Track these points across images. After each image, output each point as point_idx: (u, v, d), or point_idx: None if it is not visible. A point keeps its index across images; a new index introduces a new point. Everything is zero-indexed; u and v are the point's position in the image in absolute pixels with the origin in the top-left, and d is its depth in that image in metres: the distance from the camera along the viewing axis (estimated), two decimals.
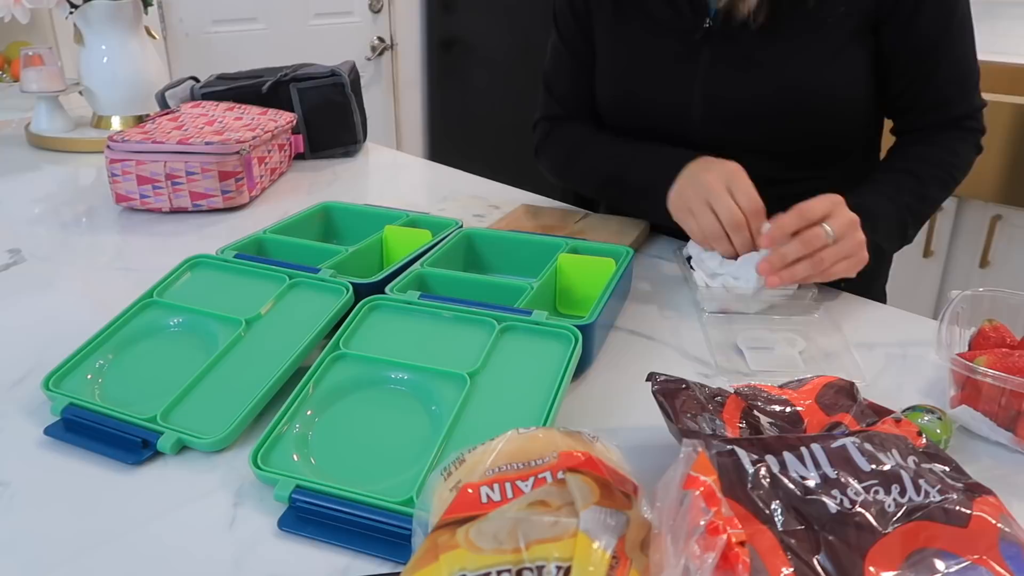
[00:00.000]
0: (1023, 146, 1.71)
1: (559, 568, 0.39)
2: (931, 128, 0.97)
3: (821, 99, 0.94)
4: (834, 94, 0.95)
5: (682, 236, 1.05)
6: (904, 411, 0.62)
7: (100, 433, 0.62)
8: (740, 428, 0.57)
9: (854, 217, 0.82)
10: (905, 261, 1.94)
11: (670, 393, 0.59)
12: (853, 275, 0.83)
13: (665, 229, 1.07)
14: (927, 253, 1.92)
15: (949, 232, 1.89)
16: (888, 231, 0.89)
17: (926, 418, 0.61)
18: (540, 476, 0.44)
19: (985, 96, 0.98)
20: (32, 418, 0.65)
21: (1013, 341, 0.67)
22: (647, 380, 0.61)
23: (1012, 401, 0.62)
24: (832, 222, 0.80)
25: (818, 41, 0.92)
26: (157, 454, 0.61)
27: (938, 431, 0.60)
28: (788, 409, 0.58)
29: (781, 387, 0.62)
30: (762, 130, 0.97)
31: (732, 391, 0.60)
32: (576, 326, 0.70)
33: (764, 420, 0.57)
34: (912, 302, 1.92)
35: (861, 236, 0.82)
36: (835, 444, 0.47)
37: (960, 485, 0.46)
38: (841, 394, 0.59)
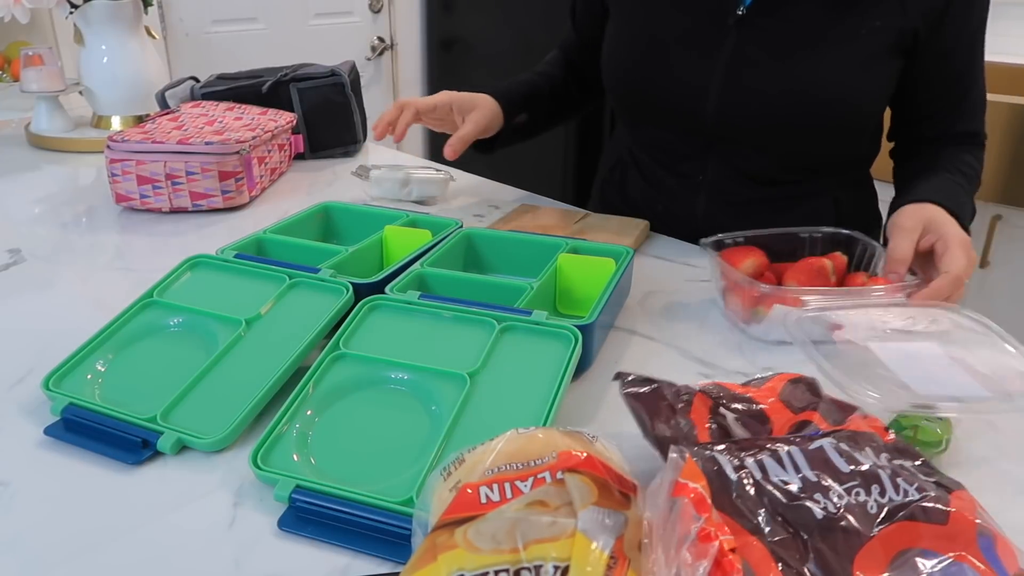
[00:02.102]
0: (1023, 146, 1.71)
1: (557, 568, 0.39)
2: (952, 141, 0.99)
3: (838, 106, 0.94)
4: (852, 104, 0.95)
5: (683, 237, 1.06)
6: (899, 413, 0.61)
7: (100, 433, 0.62)
8: (710, 428, 0.56)
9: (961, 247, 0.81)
10: None
11: (640, 396, 0.58)
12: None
13: (665, 229, 1.08)
14: None
15: None
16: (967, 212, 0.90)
17: (924, 420, 0.61)
18: (539, 476, 0.44)
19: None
20: (32, 418, 0.65)
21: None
22: (614, 379, 0.60)
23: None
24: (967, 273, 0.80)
25: (847, 50, 0.91)
26: (157, 454, 0.61)
27: (938, 431, 0.60)
28: (754, 407, 0.57)
29: (744, 385, 0.61)
30: (774, 128, 0.96)
31: (698, 389, 0.60)
32: (576, 326, 0.70)
33: (731, 417, 0.57)
34: None
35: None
36: (812, 446, 0.47)
37: (933, 481, 0.46)
38: (805, 391, 0.58)
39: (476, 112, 1.06)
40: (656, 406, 0.57)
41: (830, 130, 0.96)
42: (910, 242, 0.81)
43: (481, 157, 1.16)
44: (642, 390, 0.59)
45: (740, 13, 0.93)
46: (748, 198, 1.03)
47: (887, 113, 1.03)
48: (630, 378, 0.60)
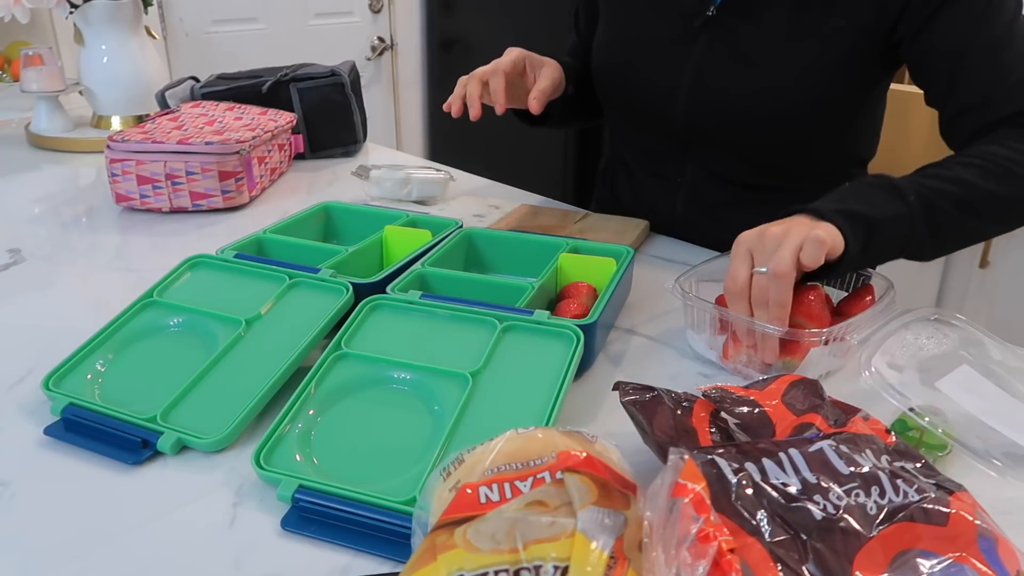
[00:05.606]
0: None
1: (556, 568, 0.39)
2: (989, 130, 0.84)
3: (800, 107, 0.92)
4: (815, 105, 0.92)
5: (681, 235, 1.06)
6: (904, 413, 0.61)
7: (100, 433, 0.62)
8: (711, 433, 0.56)
9: (768, 226, 0.71)
10: (905, 261, 1.94)
11: (640, 403, 0.58)
12: (823, 251, 0.67)
13: (664, 229, 1.07)
14: None
15: None
16: (864, 198, 0.74)
17: (926, 419, 0.60)
18: (539, 476, 0.44)
19: None
20: (32, 418, 0.65)
21: None
22: (614, 389, 0.60)
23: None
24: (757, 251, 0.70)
25: (810, 51, 0.90)
26: (157, 454, 0.61)
27: (940, 431, 0.60)
28: (756, 410, 0.57)
29: (747, 388, 0.61)
30: (739, 129, 0.96)
31: (699, 394, 0.59)
32: (578, 326, 0.70)
33: (732, 422, 0.57)
34: (912, 302, 1.92)
35: (796, 221, 0.71)
36: (812, 448, 0.47)
37: (933, 483, 0.46)
38: (807, 392, 0.58)
39: (547, 68, 1.01)
40: (656, 412, 0.57)
41: (795, 132, 0.94)
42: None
43: (481, 157, 1.16)
44: (642, 397, 0.59)
45: (710, 14, 0.94)
46: (725, 201, 1.02)
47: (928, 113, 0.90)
48: (629, 387, 0.60)
